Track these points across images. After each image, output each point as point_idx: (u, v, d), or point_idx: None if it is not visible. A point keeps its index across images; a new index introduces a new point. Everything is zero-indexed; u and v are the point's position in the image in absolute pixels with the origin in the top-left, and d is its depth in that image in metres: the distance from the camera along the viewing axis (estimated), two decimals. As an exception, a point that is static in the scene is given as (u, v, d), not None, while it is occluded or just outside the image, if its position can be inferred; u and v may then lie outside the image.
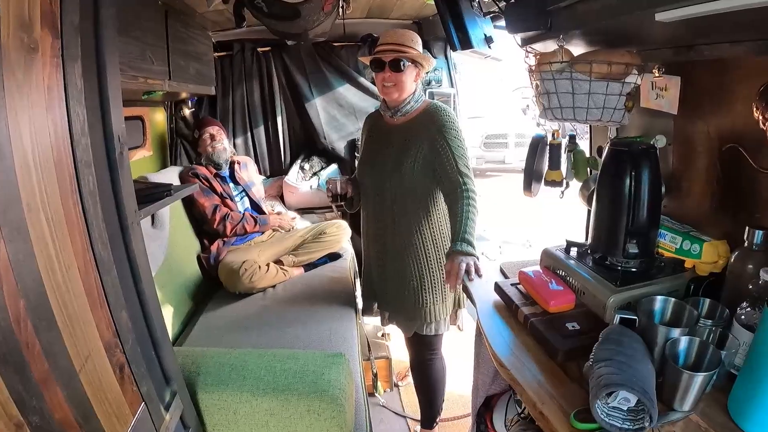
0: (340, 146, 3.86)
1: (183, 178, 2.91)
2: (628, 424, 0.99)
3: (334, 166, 3.84)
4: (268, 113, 3.79)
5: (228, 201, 2.94)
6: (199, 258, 2.81)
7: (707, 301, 1.24)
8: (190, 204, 2.84)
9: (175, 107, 3.45)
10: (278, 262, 2.85)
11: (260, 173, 3.79)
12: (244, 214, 2.98)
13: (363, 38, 3.70)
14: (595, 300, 1.35)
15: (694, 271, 1.36)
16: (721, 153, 1.36)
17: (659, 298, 1.24)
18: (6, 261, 0.69)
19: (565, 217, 2.90)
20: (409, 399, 2.83)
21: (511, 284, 1.63)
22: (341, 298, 2.49)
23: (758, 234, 1.16)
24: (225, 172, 3.10)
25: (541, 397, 1.14)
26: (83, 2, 0.92)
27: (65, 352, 0.82)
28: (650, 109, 1.52)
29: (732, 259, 1.23)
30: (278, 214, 3.29)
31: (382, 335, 3.21)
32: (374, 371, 2.87)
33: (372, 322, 3.18)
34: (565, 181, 1.85)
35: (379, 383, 2.90)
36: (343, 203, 2.19)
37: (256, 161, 3.81)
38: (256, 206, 3.17)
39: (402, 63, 1.88)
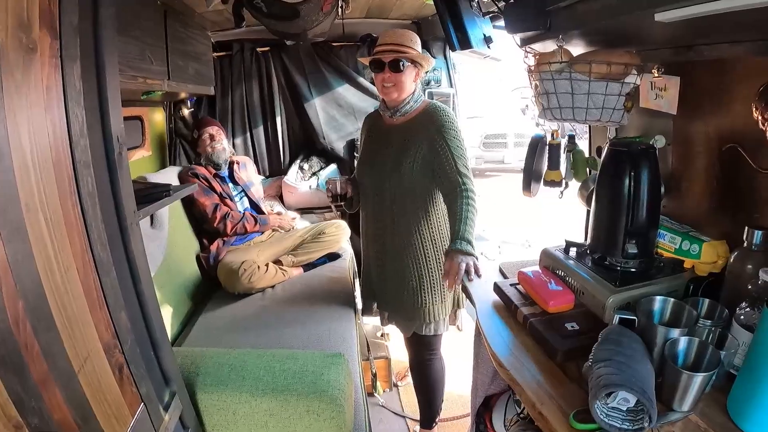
0: (339, 146, 3.86)
1: (182, 178, 2.90)
2: (628, 424, 0.99)
3: (333, 166, 3.84)
4: (267, 113, 3.79)
5: (228, 201, 2.94)
6: (198, 258, 2.80)
7: (706, 301, 1.24)
8: (189, 204, 2.84)
9: (174, 107, 3.44)
10: (277, 262, 2.84)
11: (259, 173, 3.79)
12: (244, 213, 2.98)
13: (362, 38, 3.70)
14: (595, 300, 1.35)
15: (693, 271, 1.36)
16: (721, 153, 1.36)
17: (658, 298, 1.24)
18: (5, 262, 0.69)
19: (564, 217, 2.90)
20: (409, 399, 2.83)
21: (511, 284, 1.63)
22: (340, 298, 2.49)
23: (757, 234, 1.16)
24: (224, 172, 3.10)
25: (540, 397, 1.14)
26: (82, 2, 0.92)
27: (64, 353, 0.82)
28: (649, 110, 1.52)
29: (731, 260, 1.24)
30: (278, 214, 3.29)
31: (382, 335, 3.21)
32: (373, 371, 2.87)
33: (371, 322, 3.18)
34: (564, 181, 1.85)
35: (378, 383, 2.90)
36: (342, 203, 2.19)
37: (256, 161, 3.81)
38: (255, 206, 3.17)
39: (401, 63, 1.88)
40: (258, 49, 3.64)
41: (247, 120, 3.75)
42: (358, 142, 3.25)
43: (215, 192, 2.91)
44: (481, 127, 9.78)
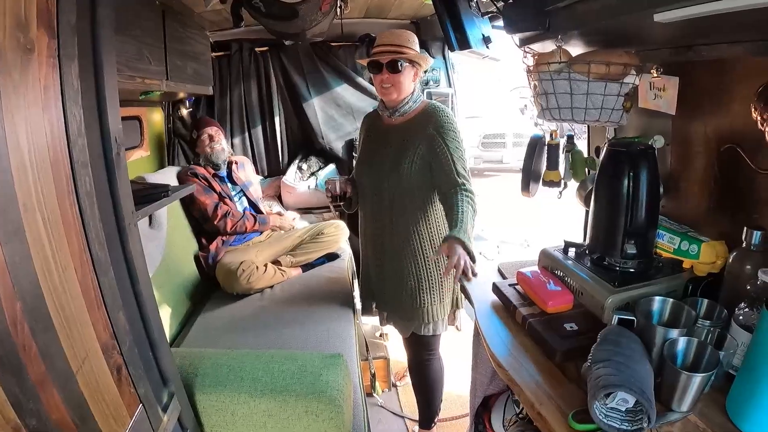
0: (338, 146, 3.85)
1: (181, 178, 2.90)
2: (627, 424, 0.99)
3: (331, 166, 3.84)
4: (265, 113, 3.78)
5: (227, 201, 2.94)
6: (197, 257, 2.80)
7: (705, 301, 1.24)
8: (189, 203, 2.83)
9: (172, 107, 3.44)
10: (276, 262, 2.84)
11: (258, 173, 3.79)
12: (244, 212, 2.98)
13: (361, 38, 3.70)
14: (594, 300, 1.35)
15: (692, 271, 1.36)
16: (720, 153, 1.36)
17: (657, 298, 1.24)
18: (2, 263, 0.69)
19: (562, 217, 2.90)
20: (408, 399, 2.83)
21: (509, 285, 1.63)
22: (339, 299, 2.49)
23: (756, 234, 1.17)
24: (223, 172, 3.10)
25: (539, 397, 1.14)
26: (80, 1, 0.92)
27: (62, 354, 0.82)
28: (648, 110, 1.52)
29: (730, 260, 1.24)
30: (278, 214, 3.28)
31: (380, 335, 3.21)
32: (372, 371, 2.87)
33: (370, 322, 3.18)
34: (563, 182, 1.85)
35: (377, 383, 2.90)
36: (341, 203, 2.19)
37: (254, 161, 3.80)
38: (253, 206, 3.17)
39: (399, 64, 1.88)
40: (256, 49, 3.63)
41: (245, 120, 3.75)
42: (357, 142, 3.24)
43: (215, 192, 2.90)
44: (479, 127, 9.78)
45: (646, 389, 0.97)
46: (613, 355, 1.06)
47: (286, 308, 2.42)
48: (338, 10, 2.69)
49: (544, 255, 1.64)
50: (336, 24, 2.97)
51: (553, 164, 1.83)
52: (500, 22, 1.78)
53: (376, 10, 3.42)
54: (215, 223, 2.81)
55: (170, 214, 2.58)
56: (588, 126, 1.95)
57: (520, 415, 1.70)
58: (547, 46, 1.56)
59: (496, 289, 1.64)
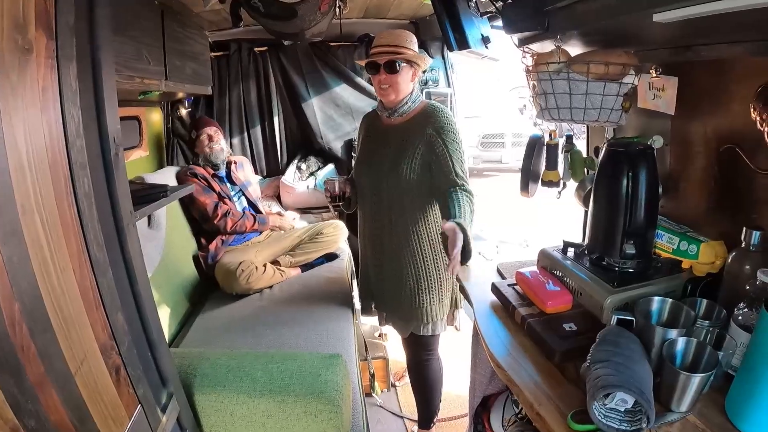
0: (337, 146, 3.86)
1: (180, 178, 2.90)
2: (626, 425, 0.99)
3: (330, 166, 3.84)
4: (264, 113, 3.78)
5: (226, 200, 2.94)
6: (196, 257, 2.80)
7: (704, 301, 1.24)
8: (189, 203, 2.84)
9: (171, 107, 3.44)
10: (275, 262, 2.84)
11: (257, 173, 3.79)
12: (244, 212, 2.98)
13: (360, 38, 3.70)
14: (592, 301, 1.35)
15: (691, 271, 1.36)
16: (719, 153, 1.36)
17: (656, 298, 1.24)
18: (1, 264, 0.68)
19: (561, 217, 2.90)
20: (407, 399, 2.83)
21: (508, 285, 1.63)
22: (338, 299, 2.49)
23: (755, 235, 1.17)
24: (222, 172, 3.09)
25: (538, 398, 1.14)
26: (78, 2, 0.92)
27: (60, 354, 0.81)
28: (647, 110, 1.52)
29: (729, 260, 1.24)
30: (278, 214, 3.28)
31: (379, 335, 3.21)
32: (371, 371, 2.87)
33: (369, 322, 3.18)
34: (562, 182, 1.85)
35: (376, 384, 2.90)
36: (341, 203, 2.19)
37: (253, 161, 3.80)
38: (252, 206, 3.17)
39: (397, 64, 1.88)
40: (255, 49, 3.63)
41: (244, 120, 3.75)
42: (356, 142, 3.25)
43: (214, 192, 2.90)
44: (478, 127, 9.79)
45: (645, 389, 0.97)
46: (612, 356, 1.06)
47: (285, 308, 2.42)
48: (337, 10, 2.69)
49: (543, 255, 1.64)
50: (335, 24, 2.97)
51: (552, 164, 1.83)
52: (499, 22, 1.77)
53: (375, 10, 3.42)
54: (215, 222, 2.81)
55: (169, 215, 2.58)
56: (587, 126, 1.95)
57: (519, 415, 1.70)
58: (546, 46, 1.56)
59: (495, 289, 1.64)
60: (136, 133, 2.94)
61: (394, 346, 3.05)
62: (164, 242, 2.42)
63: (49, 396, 0.78)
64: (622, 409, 1.00)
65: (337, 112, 3.82)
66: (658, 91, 1.45)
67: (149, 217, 2.37)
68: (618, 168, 1.35)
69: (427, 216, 2.00)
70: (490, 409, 1.87)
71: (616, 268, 1.41)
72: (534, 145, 1.86)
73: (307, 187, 3.73)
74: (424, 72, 2.12)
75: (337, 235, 3.07)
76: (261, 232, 3.02)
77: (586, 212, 1.75)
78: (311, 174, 3.78)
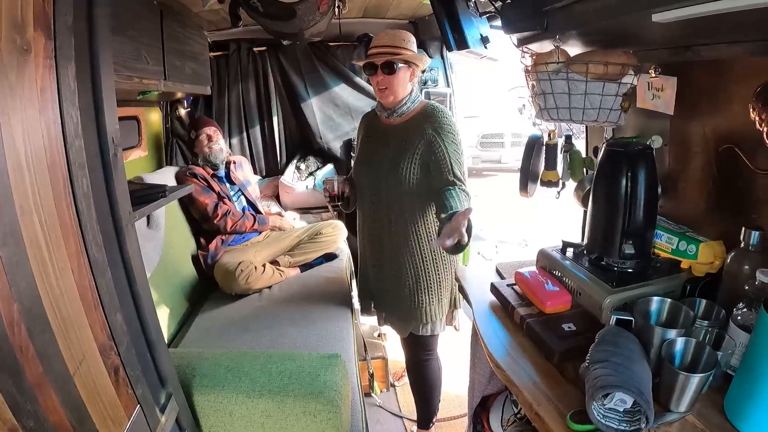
0: (336, 146, 3.85)
1: (180, 178, 2.89)
2: (625, 425, 0.99)
3: (330, 166, 3.83)
4: (263, 113, 3.78)
5: (226, 201, 2.94)
6: (196, 257, 2.80)
7: (703, 301, 1.24)
8: (188, 204, 2.84)
9: (170, 107, 3.43)
10: (274, 262, 2.84)
11: (256, 173, 3.79)
12: (244, 212, 2.98)
13: (359, 38, 3.70)
14: (592, 301, 1.35)
15: (690, 271, 1.36)
16: (718, 153, 1.36)
17: (655, 298, 1.24)
18: (-1, 265, 0.69)
19: (560, 217, 2.90)
20: (406, 399, 2.83)
21: (507, 285, 1.63)
22: (337, 299, 2.49)
23: (754, 235, 1.17)
24: (221, 172, 3.09)
25: (537, 398, 1.14)
26: (77, 2, 0.91)
27: (59, 355, 0.81)
28: (646, 110, 1.52)
29: (728, 260, 1.24)
30: (278, 214, 3.28)
31: (379, 335, 3.22)
32: (370, 371, 2.87)
33: (368, 322, 3.18)
34: (561, 182, 1.85)
35: (375, 384, 2.90)
36: (340, 203, 2.19)
37: (252, 161, 3.80)
38: (252, 205, 3.17)
39: (394, 65, 1.88)
40: (255, 49, 3.63)
41: (243, 120, 3.74)
42: (355, 142, 3.25)
43: (213, 192, 2.90)
44: (478, 127, 9.79)
45: (644, 390, 0.97)
46: (611, 356, 1.06)
47: (285, 308, 2.42)
48: (336, 9, 2.69)
49: (542, 255, 1.64)
50: (334, 24, 2.97)
51: (551, 164, 1.83)
52: (498, 22, 1.77)
53: (375, 10, 3.42)
54: (215, 222, 2.81)
55: (168, 215, 2.58)
56: (586, 126, 1.95)
57: (519, 415, 1.70)
58: (545, 46, 1.56)
59: (494, 289, 1.63)
60: (135, 133, 2.94)
61: (393, 346, 3.05)
62: (163, 242, 2.42)
63: (47, 396, 0.78)
64: (621, 409, 1.00)
65: (336, 112, 3.82)
66: (657, 91, 1.45)
67: (148, 217, 2.37)
68: (617, 168, 1.35)
69: (427, 216, 2.00)
70: (489, 409, 1.87)
71: (615, 268, 1.41)
72: (533, 145, 1.86)
73: (306, 187, 3.73)
74: (423, 72, 2.12)
75: (337, 235, 3.07)
76: (261, 233, 3.02)
77: (585, 212, 1.75)
78: (310, 174, 3.78)
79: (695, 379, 0.99)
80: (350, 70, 3.75)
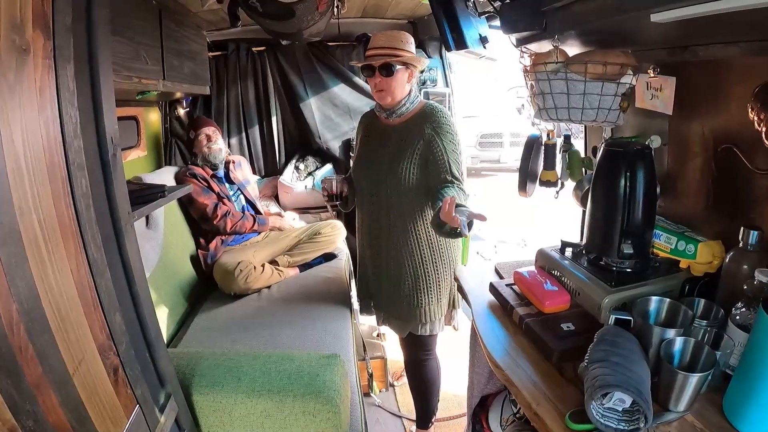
0: (335, 146, 3.85)
1: (179, 178, 2.89)
2: (624, 424, 0.99)
3: (329, 166, 3.83)
4: (262, 113, 3.78)
5: (225, 201, 2.94)
6: (195, 257, 2.80)
7: (702, 301, 1.24)
8: (188, 204, 2.84)
9: (169, 107, 3.43)
10: (273, 262, 2.84)
11: (255, 173, 3.78)
12: (243, 212, 2.98)
13: (358, 38, 3.70)
14: (590, 300, 1.35)
15: (689, 271, 1.36)
16: (716, 153, 1.36)
17: (654, 298, 1.24)
18: (-2, 265, 0.69)
19: (559, 217, 2.91)
20: (405, 399, 2.84)
21: (506, 285, 1.63)
22: (336, 299, 2.49)
23: (753, 234, 1.17)
24: (221, 172, 3.09)
25: (536, 397, 1.14)
26: (76, 2, 0.91)
27: (59, 355, 0.81)
28: (645, 110, 1.52)
29: (727, 260, 1.24)
30: (278, 214, 3.28)
31: (378, 335, 3.22)
32: (370, 371, 2.87)
33: (367, 321, 3.18)
34: (560, 181, 1.85)
35: (374, 383, 2.90)
36: (338, 203, 2.19)
37: (251, 161, 3.79)
38: (251, 205, 3.17)
39: (392, 67, 1.87)
40: (253, 49, 3.63)
41: (242, 120, 3.74)
42: (354, 142, 3.25)
43: (213, 192, 2.90)
44: (477, 127, 9.81)
45: (643, 389, 0.97)
46: (609, 356, 1.06)
47: (284, 308, 2.42)
48: (335, 9, 2.69)
49: (541, 255, 1.64)
50: (333, 24, 2.97)
51: (550, 164, 1.83)
52: (497, 22, 1.78)
53: (373, 10, 3.41)
54: (215, 223, 2.81)
55: (167, 215, 2.58)
56: (585, 126, 1.95)
57: (518, 415, 1.70)
58: (543, 46, 1.56)
59: (493, 289, 1.64)
60: (134, 133, 2.93)
61: (392, 346, 3.05)
62: (162, 242, 2.42)
63: (47, 397, 0.78)
64: (620, 409, 1.00)
65: (335, 111, 3.82)
66: (655, 91, 1.45)
67: (147, 217, 2.37)
68: (616, 168, 1.36)
69: (426, 216, 2.00)
70: (489, 408, 1.87)
71: (614, 268, 1.41)
72: (532, 145, 1.86)
73: (305, 187, 3.73)
74: (421, 72, 2.11)
75: (336, 235, 3.07)
76: (260, 233, 3.02)
77: (583, 212, 1.76)
78: (309, 174, 3.78)
79: (694, 379, 0.99)
80: (349, 70, 3.75)
